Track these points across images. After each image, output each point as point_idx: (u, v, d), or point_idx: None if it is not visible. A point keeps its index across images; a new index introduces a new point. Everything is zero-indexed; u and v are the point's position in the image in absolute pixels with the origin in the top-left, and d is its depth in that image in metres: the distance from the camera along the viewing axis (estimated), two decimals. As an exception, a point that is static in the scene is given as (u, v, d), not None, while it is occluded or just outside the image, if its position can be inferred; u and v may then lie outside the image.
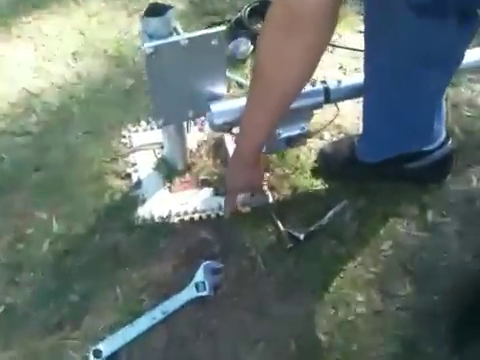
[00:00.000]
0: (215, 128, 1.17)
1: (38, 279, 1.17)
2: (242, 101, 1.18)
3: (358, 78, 1.25)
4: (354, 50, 1.68)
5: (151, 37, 1.05)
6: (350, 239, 1.25)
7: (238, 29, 1.71)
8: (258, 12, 1.74)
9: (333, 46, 1.71)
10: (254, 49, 1.66)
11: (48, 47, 1.68)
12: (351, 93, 1.26)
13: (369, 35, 1.12)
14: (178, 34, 1.07)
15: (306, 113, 1.22)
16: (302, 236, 1.23)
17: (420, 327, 1.11)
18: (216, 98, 1.17)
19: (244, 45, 1.65)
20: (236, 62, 1.65)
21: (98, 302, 1.14)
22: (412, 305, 1.15)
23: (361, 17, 1.82)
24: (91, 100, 1.53)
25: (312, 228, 1.25)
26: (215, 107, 1.15)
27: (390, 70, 1.08)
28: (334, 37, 1.74)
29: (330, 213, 1.28)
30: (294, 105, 1.17)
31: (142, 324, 1.10)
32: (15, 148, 1.41)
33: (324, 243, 1.24)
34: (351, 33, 1.77)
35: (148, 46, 1.03)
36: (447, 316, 1.12)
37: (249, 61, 1.66)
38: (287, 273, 1.19)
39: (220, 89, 1.17)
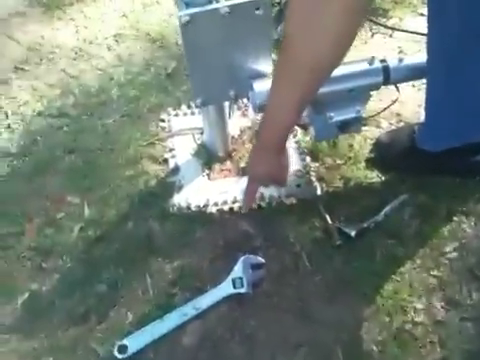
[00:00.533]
0: (258, 109, 1.06)
1: (66, 266, 1.10)
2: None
3: (421, 57, 1.10)
4: (415, 34, 1.54)
5: (188, 5, 0.95)
6: (409, 238, 1.11)
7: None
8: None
9: (393, 29, 1.58)
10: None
11: (90, 29, 1.62)
12: (414, 74, 1.12)
13: (433, 10, 0.98)
14: (218, 2, 0.97)
15: (362, 94, 1.09)
16: (353, 233, 1.10)
17: (489, 341, 0.96)
18: (260, 76, 1.05)
19: (295, 27, 1.53)
20: (285, 46, 1.53)
21: (127, 293, 1.05)
22: (479, 316, 1.00)
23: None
24: (131, 83, 1.45)
25: (365, 224, 1.12)
26: (258, 86, 1.03)
27: (456, 46, 0.95)
28: (394, 20, 1.62)
29: (387, 208, 1.14)
30: (349, 85, 1.07)
31: (172, 320, 1.00)
32: (50, 130, 1.35)
33: (379, 242, 1.10)
34: (412, 16, 1.63)
35: (184, 14, 0.93)
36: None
37: (299, 45, 1.53)
38: (335, 273, 1.06)
39: (265, 66, 1.05)
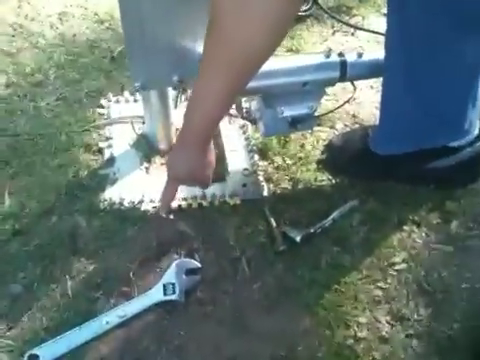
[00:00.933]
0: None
1: (-22, 262, 0.98)
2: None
3: (382, 54, 1.04)
4: (378, 34, 1.46)
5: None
6: (356, 246, 1.03)
7: None
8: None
9: (355, 28, 1.51)
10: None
11: (33, 5, 1.49)
12: (372, 71, 1.05)
13: (393, 5, 0.92)
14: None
15: (317, 90, 1.02)
16: (299, 238, 1.02)
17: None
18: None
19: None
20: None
21: (43, 296, 0.94)
22: (426, 332, 0.93)
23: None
24: (71, 65, 1.33)
25: (312, 230, 1.04)
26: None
27: (416, 43, 0.88)
28: (357, 19, 1.56)
29: (335, 214, 1.07)
30: (303, 78, 0.99)
31: (92, 328, 0.89)
32: (-25, 110, 1.22)
33: (324, 249, 1.03)
34: (376, 16, 1.58)
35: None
36: (468, 348, 0.91)
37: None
38: (276, 281, 0.98)
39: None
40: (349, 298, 0.97)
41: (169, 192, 0.94)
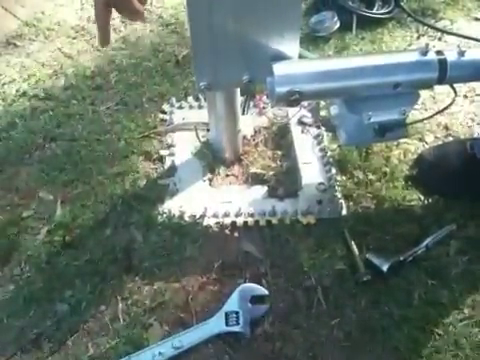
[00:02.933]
0: (277, 99, 0.83)
1: (24, 276, 0.89)
2: (319, 64, 0.86)
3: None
4: (468, 39, 1.31)
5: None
6: (455, 280, 0.87)
7: (324, 3, 1.39)
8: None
9: (443, 32, 1.35)
10: (341, 26, 1.33)
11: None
12: (478, 72, 0.88)
13: None
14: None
15: (410, 93, 0.86)
16: (386, 267, 0.87)
17: None
18: (282, 59, 0.83)
19: (329, 20, 1.32)
20: (318, 39, 1.32)
21: (91, 319, 0.83)
22: None
23: (479, 3, 1.45)
24: (134, 68, 1.25)
25: (401, 258, 0.88)
26: (279, 69, 0.81)
27: None
28: (444, 23, 1.39)
29: (428, 240, 0.90)
30: (395, 78, 0.84)
31: (143, 359, 0.77)
32: (32, 113, 1.15)
33: (417, 281, 0.87)
34: (466, 20, 1.41)
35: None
36: None
37: (333, 40, 1.32)
38: (358, 317, 0.83)
39: (289, 47, 0.83)
40: (448, 343, 0.80)
41: (99, 16, 0.76)
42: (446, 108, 0.89)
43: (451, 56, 0.86)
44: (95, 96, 1.18)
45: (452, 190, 0.97)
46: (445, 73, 0.86)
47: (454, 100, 0.88)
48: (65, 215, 0.95)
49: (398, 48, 1.33)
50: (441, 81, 0.87)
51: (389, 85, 0.84)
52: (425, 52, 0.85)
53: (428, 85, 0.87)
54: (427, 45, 0.85)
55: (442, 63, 0.85)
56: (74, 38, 1.34)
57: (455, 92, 0.89)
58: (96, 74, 1.23)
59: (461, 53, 0.87)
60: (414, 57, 0.85)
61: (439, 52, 0.86)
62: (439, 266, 0.88)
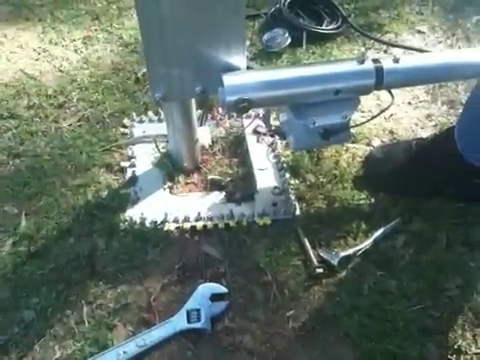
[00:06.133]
0: (228, 107, 0.89)
1: (-10, 287, 0.91)
2: (265, 74, 0.92)
3: (420, 59, 0.96)
4: (411, 49, 1.42)
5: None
6: (402, 271, 0.93)
7: (276, 21, 1.47)
8: (300, 4, 1.51)
9: (388, 44, 1.44)
10: (292, 42, 1.41)
11: (58, 31, 1.47)
12: (410, 78, 0.96)
13: None
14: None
15: (350, 98, 0.94)
16: (336, 261, 0.92)
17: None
18: (231, 69, 0.89)
19: (281, 36, 1.40)
20: (270, 55, 1.39)
21: (58, 323, 0.86)
22: (487, 369, 0.81)
23: (421, 17, 1.56)
24: (94, 86, 1.29)
25: (351, 252, 0.94)
26: (228, 79, 0.87)
27: None
28: (390, 36, 1.49)
29: (377, 234, 0.97)
30: (335, 85, 0.91)
31: (109, 359, 0.80)
32: (-4, 132, 1.18)
33: (366, 273, 0.93)
34: (409, 33, 1.50)
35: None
36: None
37: (285, 55, 1.40)
38: (312, 308, 0.88)
39: (238, 58, 0.89)
40: (397, 328, 0.85)
41: None
42: (383, 111, 0.96)
43: (387, 63, 0.94)
44: (57, 114, 1.22)
45: (398, 186, 1.04)
46: (382, 79, 0.93)
47: (392, 104, 0.95)
48: (30, 227, 0.98)
49: (347, 61, 1.41)
50: (378, 87, 0.94)
51: (330, 92, 0.91)
52: (362, 61, 0.92)
53: (367, 91, 0.94)
54: (363, 54, 0.93)
55: (378, 70, 0.93)
56: (36, 60, 1.38)
57: (392, 96, 0.97)
58: (58, 93, 1.27)
59: (396, 60, 0.94)
60: (352, 65, 0.92)
61: (376, 60, 0.94)
62: (387, 258, 0.95)
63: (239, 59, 0.89)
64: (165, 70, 0.88)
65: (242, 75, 0.89)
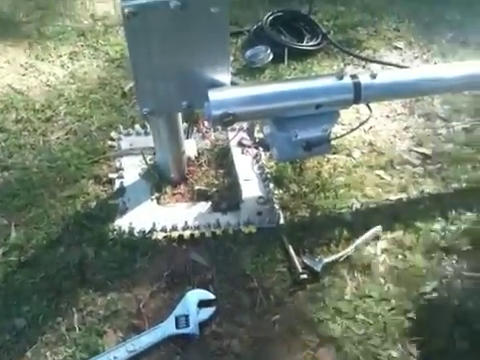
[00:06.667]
0: (213, 121, 0.93)
1: (-20, 297, 0.92)
2: (248, 89, 0.97)
3: (396, 75, 1.02)
4: (389, 65, 1.48)
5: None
6: (383, 275, 0.97)
7: (258, 38, 1.52)
8: (282, 22, 1.57)
9: (366, 60, 1.50)
10: (274, 58, 1.46)
11: (44, 47, 1.50)
12: (387, 93, 1.02)
13: None
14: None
15: (330, 112, 0.98)
16: (320, 267, 0.96)
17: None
18: (216, 85, 0.93)
19: (263, 53, 1.45)
20: (253, 71, 1.44)
21: (49, 330, 0.87)
22: (464, 367, 0.85)
23: (397, 33, 1.63)
24: (82, 100, 1.32)
25: (333, 258, 0.98)
26: (214, 95, 0.91)
27: None
28: (368, 52, 1.55)
29: (358, 241, 1.01)
30: (316, 100, 0.96)
31: (99, 365, 0.82)
32: (-16, 146, 1.20)
33: (349, 278, 0.96)
34: (387, 49, 1.57)
35: (128, 5, 0.81)
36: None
37: (267, 71, 1.44)
38: (297, 312, 0.91)
39: (222, 75, 0.94)
40: (378, 330, 0.89)
41: None
42: (363, 124, 1.01)
43: (364, 79, 0.98)
44: (45, 127, 1.24)
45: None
46: (360, 94, 0.98)
47: (370, 116, 1.00)
48: (19, 237, 1.00)
49: (327, 76, 1.47)
50: (357, 101, 0.99)
51: (311, 106, 0.95)
52: (341, 77, 0.97)
53: (346, 105, 0.99)
54: (342, 70, 0.98)
55: (356, 85, 0.97)
56: (24, 75, 1.41)
57: (370, 110, 1.01)
58: (46, 107, 1.30)
59: (373, 76, 1.00)
60: (332, 81, 0.97)
61: (354, 76, 0.99)
62: (368, 264, 0.98)
63: (224, 75, 0.93)
64: (152, 86, 0.91)
65: (227, 90, 0.93)
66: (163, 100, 0.94)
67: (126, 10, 0.80)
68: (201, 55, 0.90)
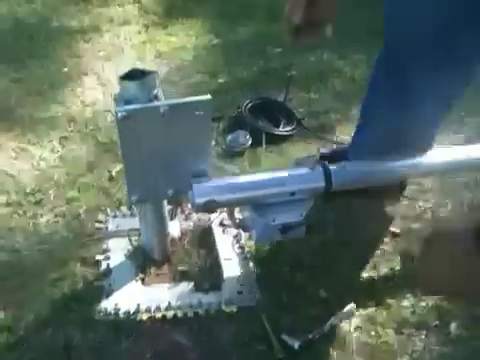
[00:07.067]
0: (197, 208, 1.00)
1: (-34, 381, 0.94)
2: (229, 179, 1.06)
3: (366, 164, 1.12)
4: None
5: (128, 102, 0.94)
6: (357, 352, 1.02)
7: (238, 123, 1.64)
8: (259, 109, 1.69)
9: (338, 144, 1.61)
10: (253, 143, 1.56)
11: (35, 132, 1.59)
12: (358, 179, 1.11)
13: None
14: (159, 100, 0.96)
15: (305, 198, 1.07)
16: (297, 345, 1.01)
17: None
18: (199, 175, 1.02)
19: (242, 137, 1.56)
20: (233, 155, 1.54)
21: None
22: None
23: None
24: (71, 184, 1.39)
25: (310, 336, 1.03)
26: (197, 184, 1.00)
27: None
28: (343, 137, 1.66)
29: (332, 319, 1.06)
30: (290, 188, 1.04)
31: None
32: (-25, 229, 1.25)
33: (325, 355, 1.01)
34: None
35: (120, 110, 0.91)
36: None
37: (246, 154, 1.55)
38: (276, 390, 0.95)
39: (205, 165, 1.03)
40: (353, 406, 0.93)
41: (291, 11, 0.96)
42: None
43: (334, 168, 1.08)
44: (35, 210, 1.30)
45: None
46: (331, 183, 1.07)
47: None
48: (8, 319, 1.03)
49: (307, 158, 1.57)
50: (328, 189, 1.08)
51: (287, 194, 1.04)
52: (313, 167, 1.07)
53: (318, 192, 1.08)
54: (314, 156, 1.07)
55: (327, 175, 1.07)
56: (15, 159, 1.48)
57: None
58: (36, 190, 1.36)
59: (343, 165, 1.10)
60: (305, 171, 1.06)
61: (324, 165, 1.08)
62: (343, 341, 1.03)
63: (206, 166, 1.02)
64: (141, 177, 0.99)
65: (209, 180, 1.02)
66: (150, 189, 1.01)
67: (119, 114, 0.90)
68: (186, 149, 0.99)
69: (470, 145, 1.20)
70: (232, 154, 1.54)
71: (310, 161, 1.08)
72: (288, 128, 1.64)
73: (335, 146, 1.50)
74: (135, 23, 2.15)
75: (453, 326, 1.06)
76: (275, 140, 1.60)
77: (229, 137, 1.57)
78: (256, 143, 1.57)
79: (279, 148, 1.59)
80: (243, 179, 1.04)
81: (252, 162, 1.52)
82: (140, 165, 0.98)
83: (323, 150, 1.33)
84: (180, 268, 1.15)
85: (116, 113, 0.91)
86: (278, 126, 1.65)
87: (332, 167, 1.08)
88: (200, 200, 0.99)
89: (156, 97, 0.97)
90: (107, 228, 1.25)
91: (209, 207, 1.01)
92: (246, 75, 1.87)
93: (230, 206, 1.24)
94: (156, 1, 2.30)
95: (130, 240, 1.19)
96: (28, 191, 1.36)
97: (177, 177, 1.01)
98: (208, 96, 0.96)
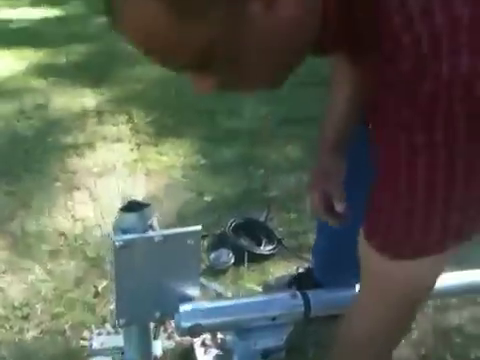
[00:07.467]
0: (183, 332, 1.06)
1: None
2: (215, 303, 1.12)
3: (344, 291, 1.19)
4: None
5: (125, 232, 1.03)
6: None
7: (221, 242, 1.73)
8: (242, 228, 1.79)
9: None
10: (235, 261, 1.64)
11: (25, 245, 1.65)
12: (336, 305, 1.18)
13: None
14: (154, 230, 1.05)
15: (285, 323, 1.13)
16: None
17: None
18: (187, 300, 1.09)
19: (225, 256, 1.64)
20: (216, 272, 1.61)
21: None
22: None
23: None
24: (58, 299, 1.43)
25: None
26: (185, 308, 1.06)
27: None
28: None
29: None
30: (271, 313, 1.11)
31: None
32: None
33: None
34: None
35: (118, 239, 0.99)
36: None
37: (229, 272, 1.62)
38: None
39: (192, 290, 1.10)
40: None
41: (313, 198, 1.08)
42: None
43: (313, 295, 1.16)
44: (21, 325, 1.33)
45: None
46: (309, 309, 1.14)
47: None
48: None
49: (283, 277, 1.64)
50: (308, 315, 1.15)
51: (268, 318, 1.10)
52: (294, 294, 1.14)
53: (298, 318, 1.15)
54: (295, 289, 1.15)
55: (306, 301, 1.14)
56: (4, 272, 1.53)
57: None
58: (23, 305, 1.40)
59: (321, 293, 1.17)
60: (285, 297, 1.14)
61: (304, 293, 1.16)
62: None
63: (193, 291, 1.09)
64: (131, 301, 1.05)
65: (195, 304, 1.08)
66: (138, 312, 1.07)
67: (117, 243, 0.98)
68: (175, 275, 1.06)
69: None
70: (215, 272, 1.61)
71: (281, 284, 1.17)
72: (269, 247, 1.73)
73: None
74: (128, 141, 2.31)
75: None
76: (257, 259, 1.68)
77: (212, 255, 1.65)
78: (239, 261, 1.65)
79: (261, 266, 1.66)
80: (228, 304, 1.11)
81: (235, 280, 1.59)
82: (131, 290, 1.05)
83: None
84: (162, 390, 1.17)
85: (114, 242, 0.99)
86: (260, 245, 1.74)
87: (311, 293, 1.16)
88: (185, 324, 1.04)
89: (151, 227, 1.06)
90: (92, 345, 1.27)
91: (194, 331, 1.06)
92: (231, 195, 1.99)
93: (215, 330, 1.30)
94: (148, 122, 2.49)
95: (113, 359, 1.22)
96: (16, 305, 1.40)
97: (165, 300, 1.07)
98: (199, 227, 1.05)
